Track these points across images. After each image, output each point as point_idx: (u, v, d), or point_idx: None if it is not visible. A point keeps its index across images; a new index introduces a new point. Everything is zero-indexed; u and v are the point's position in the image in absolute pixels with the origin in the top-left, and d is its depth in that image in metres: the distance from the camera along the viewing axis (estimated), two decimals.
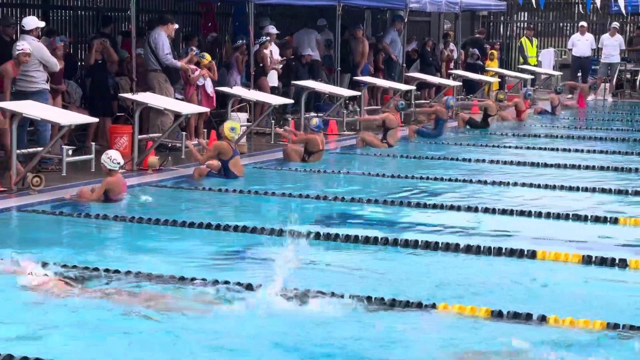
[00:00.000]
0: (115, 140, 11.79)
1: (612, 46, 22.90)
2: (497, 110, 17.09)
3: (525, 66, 22.79)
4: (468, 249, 7.52)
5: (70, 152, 10.02)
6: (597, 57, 23.87)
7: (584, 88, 21.58)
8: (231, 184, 10.26)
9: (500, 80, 22.54)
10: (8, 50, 10.75)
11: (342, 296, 6.07)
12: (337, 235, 7.88)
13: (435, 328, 5.71)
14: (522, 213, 9.05)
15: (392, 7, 18.49)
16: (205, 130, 13.26)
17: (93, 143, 10.52)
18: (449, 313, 5.93)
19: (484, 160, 12.47)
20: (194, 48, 13.41)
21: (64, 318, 5.74)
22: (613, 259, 7.24)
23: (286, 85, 15.76)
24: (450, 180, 10.96)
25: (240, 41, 14.60)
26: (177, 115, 11.72)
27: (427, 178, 10.97)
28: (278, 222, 8.32)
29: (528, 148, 14.02)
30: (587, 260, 7.27)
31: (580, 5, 26.91)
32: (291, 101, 14.63)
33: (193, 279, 6.46)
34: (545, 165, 12.21)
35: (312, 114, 15.26)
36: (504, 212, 9.09)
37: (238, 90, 13.62)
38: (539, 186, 10.55)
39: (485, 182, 10.81)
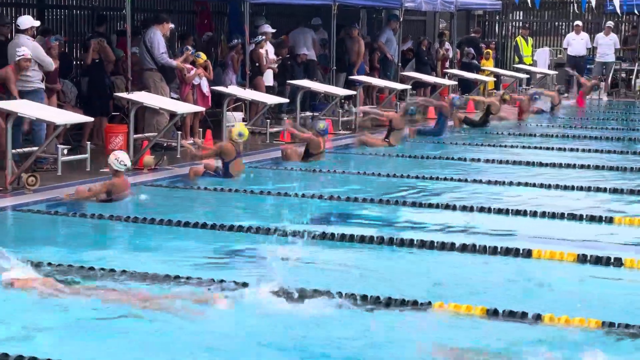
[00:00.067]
0: (111, 139, 11.78)
1: (607, 45, 22.95)
2: (499, 110, 17.09)
3: (520, 65, 22.81)
4: (464, 248, 7.52)
5: (65, 151, 10.01)
6: (592, 56, 23.90)
7: (585, 87, 21.53)
8: (227, 184, 10.26)
9: (495, 79, 22.55)
10: (3, 49, 10.73)
11: (338, 295, 6.07)
12: (332, 234, 7.88)
13: (431, 327, 5.72)
14: (517, 212, 9.05)
15: (388, 6, 18.50)
16: (201, 129, 13.24)
17: (88, 142, 10.51)
18: (444, 312, 5.93)
19: (479, 160, 12.47)
20: (190, 47, 13.40)
21: (57, 317, 5.74)
22: (608, 258, 7.25)
23: (282, 85, 15.75)
24: (445, 179, 10.96)
25: (236, 40, 14.60)
26: (172, 115, 11.72)
27: (423, 177, 10.97)
28: (273, 222, 8.32)
29: (524, 147, 14.03)
30: (582, 259, 7.28)
31: (576, 5, 26.96)
32: (287, 100, 14.62)
33: (188, 278, 6.46)
34: (541, 164, 12.22)
35: (308, 113, 15.27)
36: (499, 211, 9.09)
37: (233, 89, 13.61)
38: (534, 185, 10.56)
39: (481, 182, 10.82)
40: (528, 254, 7.39)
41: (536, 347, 5.28)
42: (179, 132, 11.84)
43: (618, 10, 23.55)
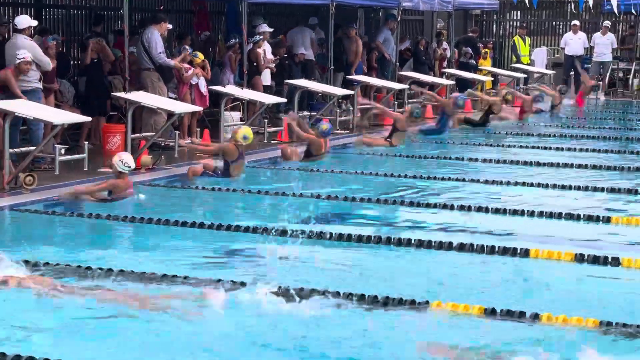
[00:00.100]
0: (108, 139, 11.76)
1: (604, 45, 22.96)
2: (501, 109, 17.06)
3: (518, 65, 22.82)
4: (461, 247, 7.53)
5: (63, 151, 10.02)
6: (589, 55, 23.92)
7: (585, 86, 21.51)
8: (224, 183, 10.25)
9: (493, 79, 22.56)
10: (1, 49, 10.72)
11: (336, 295, 6.07)
12: (330, 233, 7.87)
13: (429, 326, 5.72)
14: (515, 212, 9.05)
15: (385, 5, 18.50)
16: (199, 129, 13.25)
17: (86, 142, 10.50)
18: (442, 311, 5.93)
19: (477, 160, 12.48)
20: (187, 47, 13.40)
21: (54, 317, 5.73)
22: (606, 257, 7.26)
23: (279, 84, 15.76)
24: (443, 179, 10.96)
25: (233, 40, 14.59)
26: (170, 114, 11.71)
27: (421, 177, 10.97)
28: (272, 221, 8.32)
29: (522, 147, 14.03)
30: (580, 258, 7.29)
31: (573, 4, 26.97)
32: (284, 100, 14.62)
33: (186, 278, 6.46)
34: (539, 164, 12.22)
35: (306, 112, 15.26)
36: (497, 210, 9.09)
37: (231, 89, 13.61)
38: (532, 185, 10.56)
39: (479, 181, 10.83)
40: (526, 253, 7.40)
41: (534, 346, 5.28)
42: (177, 132, 11.84)
43: (615, 10, 23.56)
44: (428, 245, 7.61)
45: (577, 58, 23.11)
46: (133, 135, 11.45)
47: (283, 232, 7.79)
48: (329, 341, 5.41)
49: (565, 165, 12.12)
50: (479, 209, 9.13)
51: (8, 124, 9.54)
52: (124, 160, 9.09)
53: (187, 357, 5.18)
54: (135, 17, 16.04)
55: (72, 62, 14.47)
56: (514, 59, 23.60)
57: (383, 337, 5.51)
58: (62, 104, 12.07)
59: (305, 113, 15.20)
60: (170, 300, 6.03)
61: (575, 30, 23.35)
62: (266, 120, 14.11)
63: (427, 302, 6.00)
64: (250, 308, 5.89)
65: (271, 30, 15.70)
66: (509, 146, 14.11)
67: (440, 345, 5.37)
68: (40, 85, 10.90)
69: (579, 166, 12.09)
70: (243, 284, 6.30)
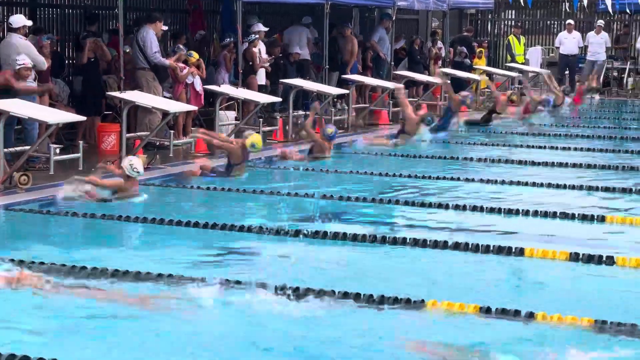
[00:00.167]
0: (103, 138, 11.76)
1: (598, 44, 23.00)
2: (505, 110, 17.03)
3: (512, 64, 22.83)
4: (456, 246, 7.53)
5: (57, 150, 10.00)
6: (584, 55, 23.95)
7: (585, 85, 21.45)
8: (220, 183, 10.25)
9: (487, 78, 22.56)
10: None
11: (332, 293, 6.08)
12: (326, 232, 7.88)
13: (425, 325, 5.72)
14: (510, 211, 9.07)
15: (380, 5, 18.50)
16: (194, 128, 13.22)
17: (81, 142, 10.49)
18: (438, 310, 5.94)
19: (472, 159, 12.49)
20: (182, 46, 13.39)
21: (50, 317, 5.73)
22: (600, 256, 7.27)
23: (274, 84, 15.74)
24: (439, 178, 10.97)
25: (228, 39, 14.58)
26: (165, 114, 11.70)
27: (416, 176, 10.98)
28: (268, 221, 8.31)
29: (517, 146, 14.05)
30: (574, 257, 7.30)
31: (567, 3, 27.01)
32: (279, 99, 14.61)
33: (182, 277, 6.45)
34: (533, 163, 12.24)
35: (300, 112, 15.26)
36: (492, 210, 9.10)
37: (226, 88, 13.60)
38: (526, 184, 10.57)
39: (473, 180, 10.84)
40: (521, 252, 7.40)
41: (529, 344, 5.29)
42: (172, 131, 11.83)
43: (610, 9, 23.60)
44: (423, 244, 7.62)
45: (573, 57, 23.12)
46: (128, 135, 11.43)
47: (278, 232, 7.79)
48: (325, 340, 5.42)
49: (560, 165, 12.14)
50: (474, 209, 9.13)
51: (2, 123, 9.52)
52: (133, 165, 9.10)
53: (186, 357, 5.18)
54: (130, 16, 16.01)
55: (67, 62, 14.44)
56: (509, 58, 23.62)
57: (379, 336, 5.52)
58: (56, 104, 12.05)
59: (301, 112, 15.19)
60: (167, 300, 6.02)
61: (570, 29, 23.38)
62: (261, 119, 14.09)
63: (423, 301, 6.01)
64: (247, 308, 5.89)
65: (266, 29, 15.69)
66: (504, 145, 14.12)
67: (425, 343, 5.38)
68: (35, 84, 10.87)
69: (574, 165, 12.11)
70: (238, 282, 6.30)
